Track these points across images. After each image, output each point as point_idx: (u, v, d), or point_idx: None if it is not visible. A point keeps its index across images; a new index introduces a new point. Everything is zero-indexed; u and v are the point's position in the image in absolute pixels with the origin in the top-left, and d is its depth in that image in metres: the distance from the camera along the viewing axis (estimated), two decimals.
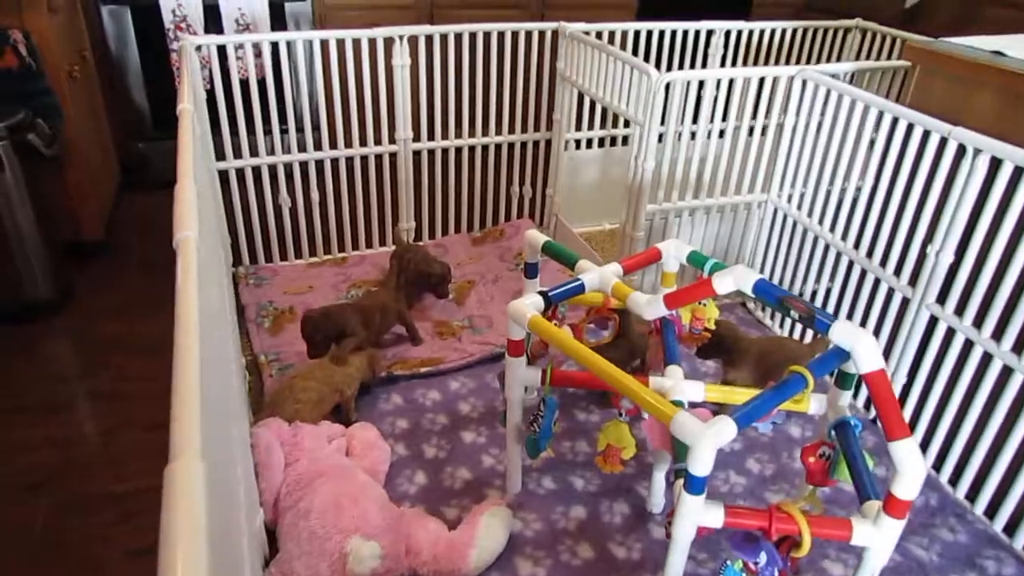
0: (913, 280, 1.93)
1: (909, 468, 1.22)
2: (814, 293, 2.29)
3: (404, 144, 2.63)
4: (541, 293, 1.59)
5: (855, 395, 2.18)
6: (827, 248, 2.21)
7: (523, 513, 1.74)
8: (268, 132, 2.43)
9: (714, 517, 1.31)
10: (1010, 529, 1.75)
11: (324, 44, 2.40)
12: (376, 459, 1.81)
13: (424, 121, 2.64)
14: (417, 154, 2.68)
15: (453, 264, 2.70)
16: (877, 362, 1.26)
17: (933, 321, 1.89)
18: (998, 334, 1.73)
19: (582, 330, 1.90)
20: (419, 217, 2.81)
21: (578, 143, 2.84)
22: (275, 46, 2.35)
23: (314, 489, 1.62)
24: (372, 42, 2.46)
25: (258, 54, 2.40)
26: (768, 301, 1.45)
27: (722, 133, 2.29)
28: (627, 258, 1.75)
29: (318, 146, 2.55)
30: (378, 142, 2.61)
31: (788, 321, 2.47)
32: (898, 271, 1.98)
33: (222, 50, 2.32)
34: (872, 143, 2.03)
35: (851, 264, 2.13)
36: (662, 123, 2.18)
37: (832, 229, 2.19)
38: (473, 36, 2.57)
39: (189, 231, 1.15)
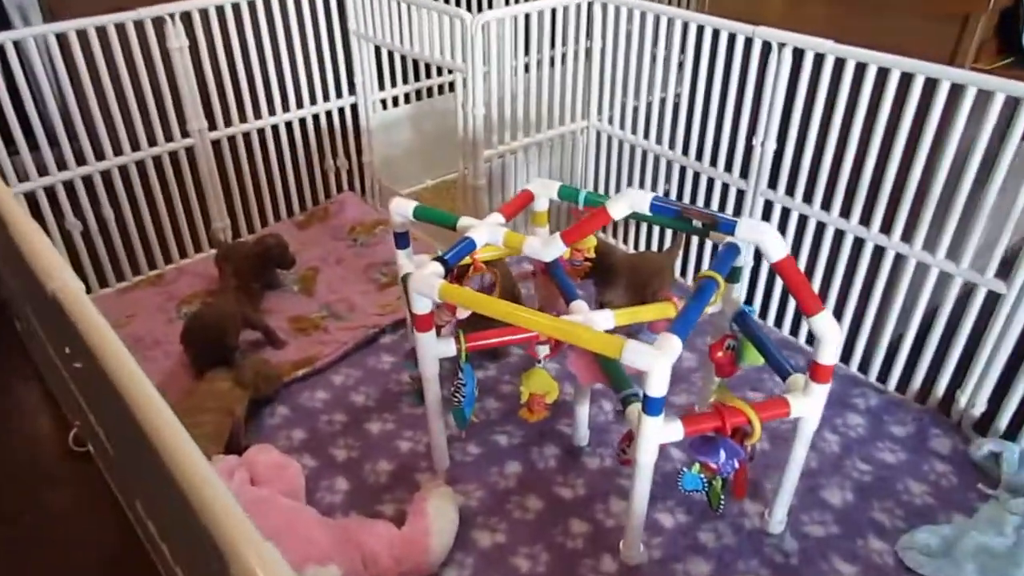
0: (744, 172, 2.10)
1: (830, 337, 1.34)
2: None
3: (200, 135, 2.35)
4: (438, 259, 1.51)
5: None
6: (657, 159, 2.33)
7: (462, 486, 1.69)
8: (14, 153, 2.04)
9: (674, 431, 1.36)
10: (864, 368, 2.01)
11: (63, 38, 2.05)
12: (290, 479, 1.65)
13: (217, 107, 2.37)
14: (216, 144, 2.41)
15: None
16: (783, 250, 1.35)
17: (768, 205, 2.08)
18: (827, 204, 1.94)
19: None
20: (232, 213, 2.55)
21: (384, 103, 2.72)
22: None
23: None
24: (139, 25, 2.14)
25: None
26: (667, 217, 1.50)
27: (527, 67, 2.30)
28: (504, 205, 1.72)
29: (100, 155, 2.20)
30: (169, 139, 2.31)
31: (634, 236, 2.59)
32: (728, 167, 2.14)
33: None
34: (681, 65, 2.14)
35: (683, 169, 2.27)
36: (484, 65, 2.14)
37: (659, 141, 2.30)
38: (253, 5, 2.33)
39: (67, 272, 0.94)
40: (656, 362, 1.24)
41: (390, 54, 2.65)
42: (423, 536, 1.51)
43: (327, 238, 2.59)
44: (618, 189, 2.52)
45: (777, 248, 1.35)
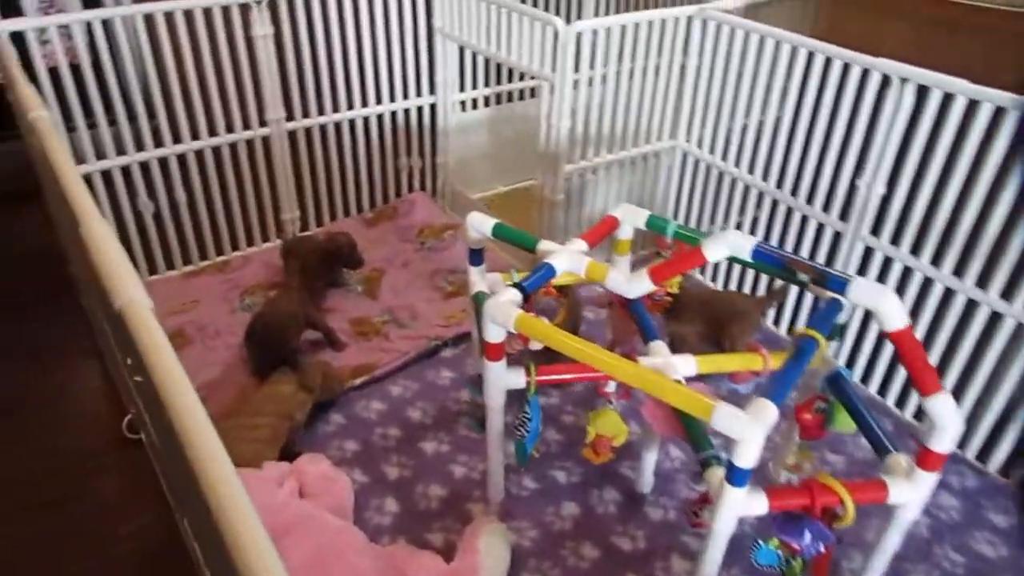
0: (844, 214, 1.95)
1: (948, 422, 1.20)
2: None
3: (277, 125, 2.31)
4: (515, 285, 1.42)
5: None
6: (747, 189, 2.20)
7: (515, 522, 1.60)
8: (92, 126, 2.02)
9: (758, 505, 1.24)
10: (961, 443, 1.84)
11: (150, 19, 2.01)
12: (338, 495, 1.59)
13: (296, 98, 2.32)
14: (292, 135, 2.36)
15: None
16: (903, 319, 1.22)
17: (868, 252, 1.93)
18: (937, 259, 1.78)
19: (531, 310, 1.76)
20: (302, 205, 2.50)
21: (464, 104, 2.63)
22: (88, 26, 1.95)
23: (286, 549, 1.39)
24: (225, 11, 2.10)
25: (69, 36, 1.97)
26: (769, 266, 1.37)
27: (616, 80, 2.18)
28: (587, 232, 1.61)
29: (177, 138, 2.17)
30: (246, 127, 2.27)
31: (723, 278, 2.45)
32: (826, 207, 1.99)
33: (16, 37, 1.86)
34: (784, 91, 2.00)
35: (775, 203, 2.13)
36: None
37: (752, 171, 2.17)
38: None
39: (135, 290, 0.87)
40: (749, 432, 1.13)
41: (473, 55, 2.56)
42: (471, 574, 1.43)
43: (394, 238, 2.52)
44: (701, 216, 2.39)
45: (896, 316, 1.21)
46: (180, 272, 2.32)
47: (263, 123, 2.29)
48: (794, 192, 2.06)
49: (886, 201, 1.85)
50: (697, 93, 2.24)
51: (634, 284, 1.45)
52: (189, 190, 2.23)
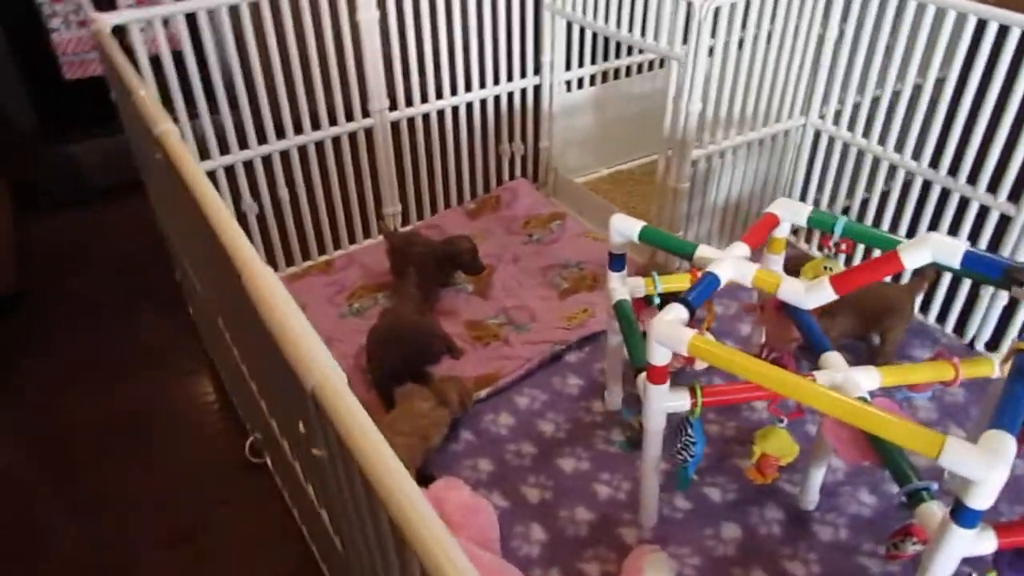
0: (1015, 195, 1.75)
1: None
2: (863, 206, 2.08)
3: (380, 116, 2.19)
4: (684, 302, 1.28)
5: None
6: (892, 171, 2.00)
7: (673, 548, 1.49)
8: (194, 116, 1.92)
9: (984, 543, 1.10)
10: None
11: (255, 7, 1.90)
12: (483, 525, 1.49)
13: (400, 86, 2.19)
14: (395, 126, 2.25)
15: None
16: None
17: None
18: None
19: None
20: (404, 198, 2.39)
21: (568, 84, 2.48)
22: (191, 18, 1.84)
23: None
24: None
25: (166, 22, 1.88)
26: (985, 275, 1.21)
27: (740, 55, 1.99)
28: (748, 232, 1.46)
29: (280, 134, 2.07)
30: (350, 118, 2.16)
31: None
32: (993, 187, 1.79)
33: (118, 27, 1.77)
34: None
35: (927, 185, 1.93)
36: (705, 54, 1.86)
37: (899, 149, 1.97)
38: None
39: (326, 365, 0.78)
40: (990, 473, 0.98)
41: (581, 31, 2.39)
42: None
43: (500, 231, 2.40)
44: (834, 201, 2.20)
45: None
46: (284, 274, 2.25)
47: (366, 114, 2.17)
48: (953, 172, 1.86)
49: None
50: (836, 64, 2.03)
51: (814, 295, 1.30)
52: (292, 188, 2.14)
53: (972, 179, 1.82)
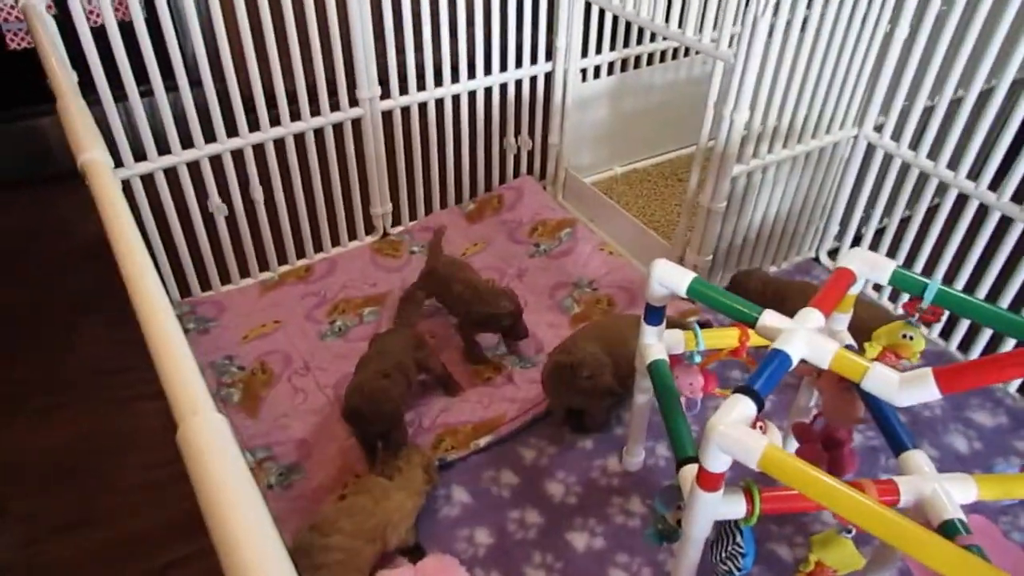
0: None
1: None
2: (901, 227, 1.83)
3: (370, 105, 1.89)
4: (749, 393, 1.03)
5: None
6: (963, 201, 1.74)
7: None
8: (147, 94, 1.60)
9: None
10: None
11: None
12: None
13: (394, 70, 1.89)
14: (387, 116, 1.95)
15: (456, 255, 2.06)
16: None
17: None
18: None
19: (714, 380, 1.37)
20: (395, 197, 2.11)
21: (584, 73, 2.18)
22: None
23: None
24: None
25: None
26: None
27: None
28: (818, 296, 1.21)
29: (253, 125, 1.78)
30: (335, 107, 1.86)
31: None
32: None
33: None
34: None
35: (1007, 222, 1.68)
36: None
37: (974, 176, 1.71)
38: None
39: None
40: None
41: (600, 13, 2.09)
42: None
43: (503, 238, 2.12)
44: (881, 237, 1.94)
45: None
46: (257, 281, 1.97)
47: (354, 102, 1.87)
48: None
49: None
50: (905, 69, 1.75)
51: (911, 392, 1.05)
52: (267, 186, 1.85)
53: None
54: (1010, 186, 1.65)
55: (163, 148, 1.69)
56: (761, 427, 1.11)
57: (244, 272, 1.96)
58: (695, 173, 1.79)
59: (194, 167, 1.74)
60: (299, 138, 1.84)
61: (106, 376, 1.80)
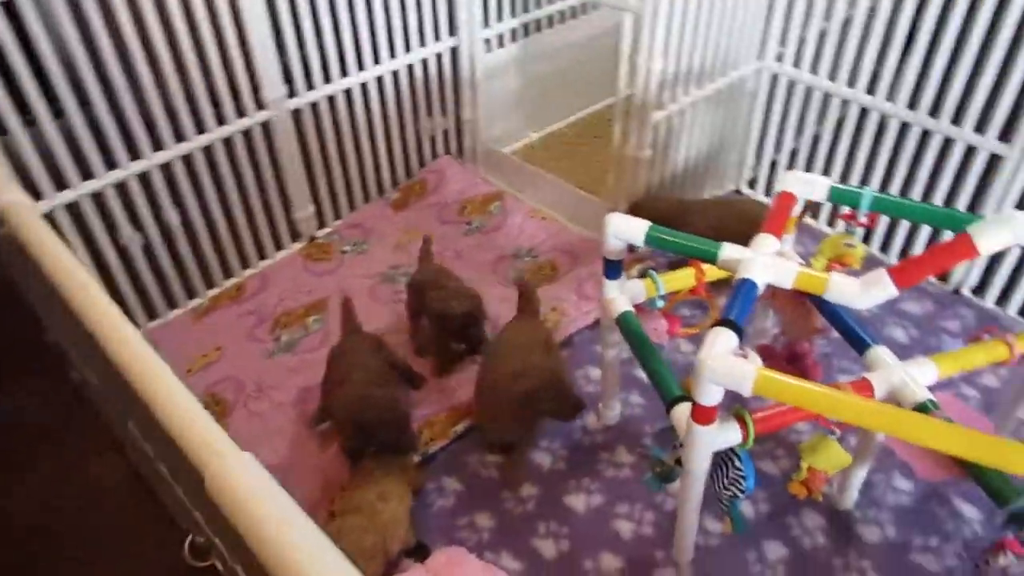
0: (1005, 134, 1.63)
1: None
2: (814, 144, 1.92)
3: (277, 106, 1.81)
4: (729, 324, 1.06)
5: None
6: (863, 114, 1.84)
7: None
8: (30, 123, 1.49)
9: None
10: None
11: None
12: None
13: (297, 66, 1.82)
14: (296, 115, 1.88)
15: (390, 247, 2.02)
16: None
17: None
18: None
19: (678, 322, 1.40)
20: (317, 197, 2.04)
21: (488, 42, 2.16)
22: None
23: None
24: None
25: None
26: None
27: None
28: (769, 221, 1.25)
29: (157, 145, 1.67)
30: (240, 114, 1.77)
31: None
32: (980, 127, 1.66)
33: None
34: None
35: (904, 127, 1.78)
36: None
37: (871, 90, 1.80)
38: None
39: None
40: None
41: None
42: None
43: (433, 220, 2.09)
44: (795, 159, 2.03)
45: None
46: (187, 310, 1.86)
47: (260, 106, 1.79)
48: (934, 112, 1.71)
49: None
50: None
51: (872, 293, 1.11)
52: (181, 206, 1.76)
53: (956, 119, 1.68)
54: (903, 94, 1.74)
55: (60, 182, 1.56)
56: (743, 355, 1.14)
57: (171, 303, 1.85)
58: (618, 125, 1.81)
59: (98, 198, 1.63)
60: (208, 151, 1.74)
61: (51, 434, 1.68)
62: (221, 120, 1.74)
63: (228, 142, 1.77)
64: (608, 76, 2.50)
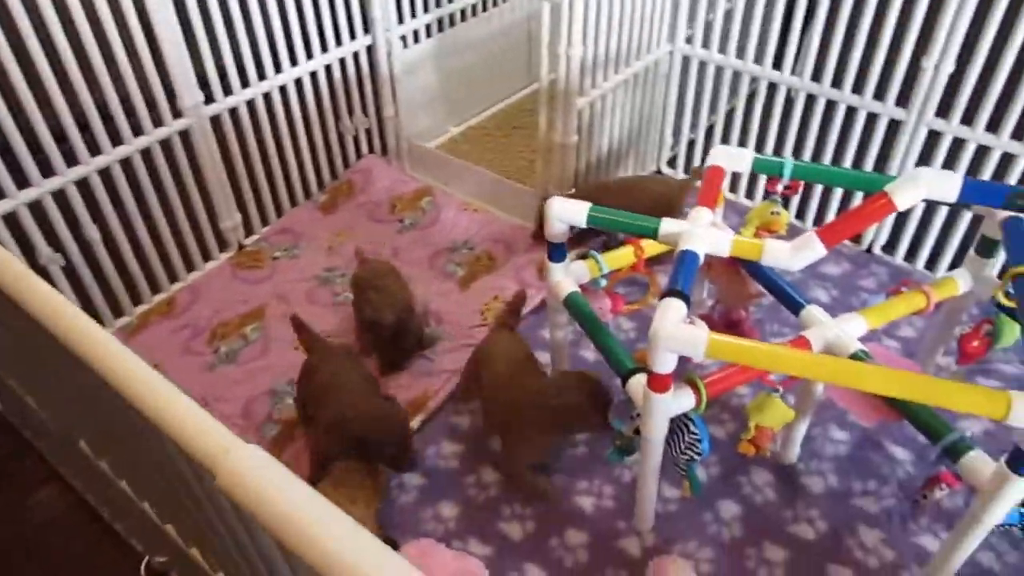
0: (902, 100, 1.75)
1: None
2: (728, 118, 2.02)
3: (195, 112, 1.76)
4: (677, 293, 1.10)
5: None
6: (773, 89, 1.93)
7: (681, 546, 1.37)
8: None
9: None
10: None
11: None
12: None
13: (212, 71, 1.77)
14: (216, 121, 1.83)
15: (323, 250, 2.00)
16: None
17: (934, 138, 1.75)
18: (1020, 134, 1.63)
19: (621, 300, 1.45)
20: (243, 205, 1.99)
21: (404, 39, 2.15)
22: None
23: None
24: None
25: None
26: (987, 203, 1.13)
27: None
28: (702, 194, 1.30)
29: (71, 160, 1.60)
30: (157, 123, 1.71)
31: None
32: (879, 94, 1.77)
33: None
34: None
35: (811, 99, 1.88)
36: None
37: (778, 66, 1.90)
38: None
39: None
40: None
41: None
42: None
43: (364, 220, 2.08)
44: (713, 133, 2.11)
45: None
46: (116, 330, 1.79)
47: (177, 114, 1.74)
48: (837, 84, 1.82)
49: (955, 80, 1.66)
50: None
51: (804, 255, 1.17)
52: (102, 222, 1.69)
53: (857, 89, 1.79)
54: (807, 68, 1.85)
55: None
56: (691, 322, 1.20)
57: (99, 323, 1.77)
58: (543, 113, 1.84)
59: (11, 219, 1.55)
60: (126, 163, 1.68)
61: None
62: (137, 131, 1.68)
63: (147, 153, 1.71)
64: (523, 66, 2.55)
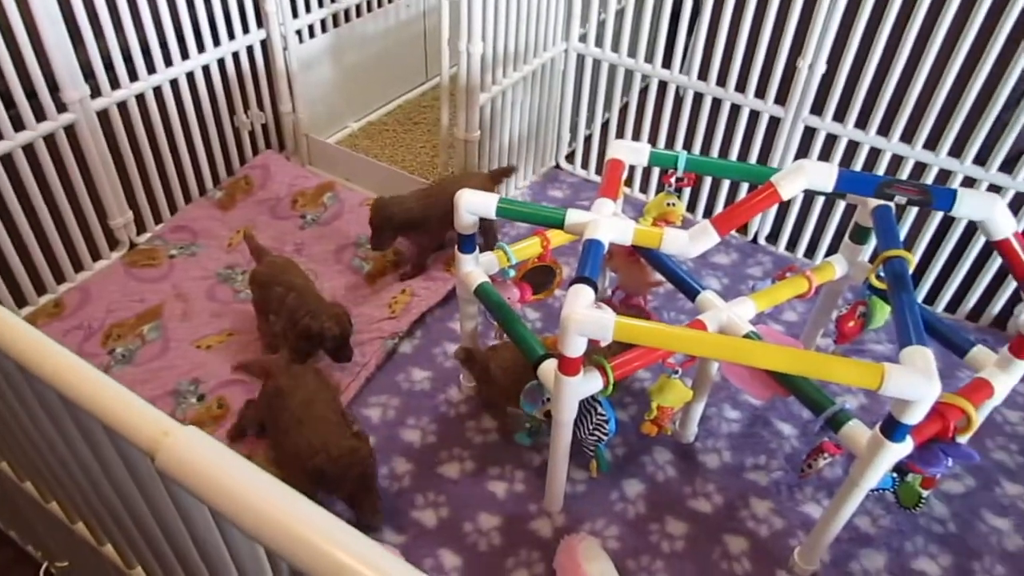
0: (781, 98, 1.88)
1: None
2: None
3: (81, 106, 1.68)
4: (585, 280, 1.16)
5: None
6: (663, 88, 2.03)
7: (589, 524, 1.43)
8: None
9: (907, 448, 1.17)
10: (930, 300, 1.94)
11: None
12: None
13: (99, 63, 1.69)
14: (104, 116, 1.75)
15: (222, 247, 1.95)
16: (1012, 226, 1.17)
17: (810, 133, 1.88)
18: (885, 129, 1.78)
19: (529, 289, 1.50)
20: (134, 203, 1.91)
21: (300, 33, 2.12)
22: None
23: None
24: None
25: None
26: (860, 192, 1.24)
27: None
28: (605, 187, 1.37)
29: None
30: (40, 117, 1.62)
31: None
32: (761, 92, 1.89)
33: None
34: None
35: (699, 97, 1.99)
36: None
37: (667, 65, 1.99)
38: None
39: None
40: (930, 391, 1.03)
41: None
42: None
43: (266, 217, 2.04)
44: (608, 129, 2.19)
45: (1006, 224, 1.16)
46: None
47: (62, 107, 1.65)
48: (721, 82, 1.93)
49: (828, 79, 1.80)
50: None
51: (700, 242, 1.25)
52: None
53: (740, 87, 1.91)
54: (694, 67, 1.95)
55: None
56: (599, 307, 1.25)
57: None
58: (444, 109, 1.86)
59: None
60: (6, 160, 1.58)
61: None
62: (18, 126, 1.58)
63: (29, 148, 1.62)
64: (420, 62, 2.56)
